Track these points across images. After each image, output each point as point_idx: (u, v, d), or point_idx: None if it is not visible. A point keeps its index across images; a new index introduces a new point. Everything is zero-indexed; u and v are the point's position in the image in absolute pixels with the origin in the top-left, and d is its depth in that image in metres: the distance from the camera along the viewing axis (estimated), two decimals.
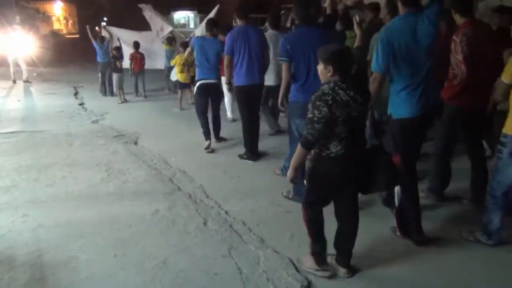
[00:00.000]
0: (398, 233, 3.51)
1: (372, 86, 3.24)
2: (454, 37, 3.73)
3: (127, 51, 10.34)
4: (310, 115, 2.66)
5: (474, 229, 3.44)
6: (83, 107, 9.16)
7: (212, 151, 5.96)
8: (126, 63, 10.15)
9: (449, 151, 4.13)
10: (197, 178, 4.95)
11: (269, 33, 6.09)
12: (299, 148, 2.74)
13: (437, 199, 4.13)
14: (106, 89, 10.45)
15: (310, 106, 2.67)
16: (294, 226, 3.77)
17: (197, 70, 6.01)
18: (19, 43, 13.39)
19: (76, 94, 10.86)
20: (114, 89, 10.10)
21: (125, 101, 9.74)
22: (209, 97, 5.99)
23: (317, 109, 2.62)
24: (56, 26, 48.55)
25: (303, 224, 3.49)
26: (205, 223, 3.85)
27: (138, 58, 10.09)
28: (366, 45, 4.75)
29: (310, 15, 3.92)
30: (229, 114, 7.55)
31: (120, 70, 9.82)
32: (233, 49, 5.24)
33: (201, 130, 6.01)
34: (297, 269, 3.13)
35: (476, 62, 3.64)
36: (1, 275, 3.11)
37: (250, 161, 5.50)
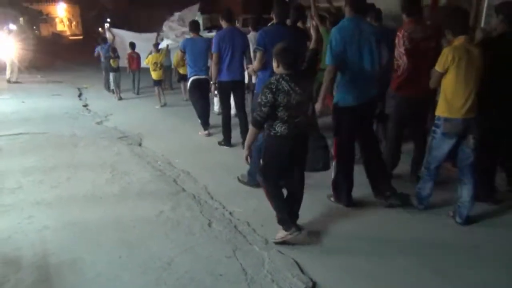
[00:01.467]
0: (332, 199, 4.26)
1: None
2: (398, 33, 4.33)
3: (127, 51, 10.78)
4: (259, 100, 3.28)
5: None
6: (87, 109, 9.19)
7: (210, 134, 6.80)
8: (124, 62, 10.68)
9: (400, 136, 4.62)
10: (201, 179, 4.96)
11: (250, 34, 6.62)
12: (251, 128, 3.38)
13: None
14: (110, 86, 10.97)
15: (260, 93, 3.27)
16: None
17: (188, 68, 6.69)
18: (14, 43, 13.42)
19: (80, 95, 10.89)
20: (111, 86, 10.56)
21: (121, 98, 10.22)
22: (201, 91, 6.70)
23: (264, 95, 3.23)
24: (60, 27, 48.65)
25: (307, 224, 3.53)
26: (209, 224, 3.87)
27: (134, 57, 10.55)
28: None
29: (286, 15, 4.52)
30: (216, 108, 7.87)
31: (115, 69, 10.27)
32: (220, 48, 5.75)
33: (201, 133, 6.16)
34: (302, 270, 3.14)
35: (416, 55, 4.21)
36: (7, 277, 3.14)
37: (226, 147, 6.14)
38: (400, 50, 4.29)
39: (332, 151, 4.09)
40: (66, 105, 9.59)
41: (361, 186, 4.26)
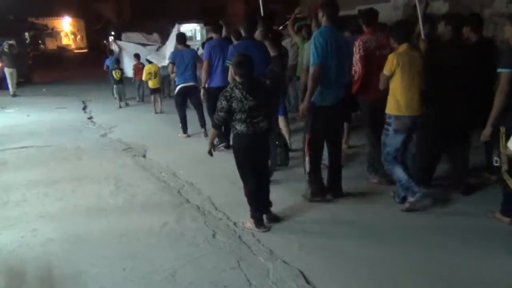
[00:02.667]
0: (309, 197, 4.55)
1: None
2: (355, 42, 4.78)
3: (133, 62, 11.49)
4: (217, 105, 3.81)
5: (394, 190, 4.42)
6: (92, 121, 9.24)
7: (188, 136, 7.43)
8: (130, 72, 11.56)
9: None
10: (205, 190, 4.95)
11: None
12: (212, 129, 4.05)
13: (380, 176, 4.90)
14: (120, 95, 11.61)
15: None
16: (302, 237, 3.77)
17: (177, 77, 7.34)
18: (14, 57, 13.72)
19: (84, 108, 10.97)
20: (115, 95, 11.22)
21: (127, 105, 11.04)
22: (188, 97, 7.40)
23: (220, 102, 3.78)
24: (65, 41, 49.11)
25: (311, 235, 3.52)
26: (213, 235, 3.85)
27: (140, 68, 11.04)
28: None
29: (253, 30, 5.01)
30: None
31: (118, 81, 10.89)
32: (211, 56, 6.31)
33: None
34: (307, 281, 3.11)
35: (370, 61, 4.65)
36: None
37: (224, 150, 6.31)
38: (356, 57, 4.73)
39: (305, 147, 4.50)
40: (71, 118, 9.66)
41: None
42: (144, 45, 13.08)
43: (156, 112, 9.89)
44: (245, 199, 3.99)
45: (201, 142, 6.91)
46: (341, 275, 3.20)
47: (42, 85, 15.37)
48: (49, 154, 6.70)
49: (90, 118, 9.62)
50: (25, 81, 16.08)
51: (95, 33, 43.36)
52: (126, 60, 12.19)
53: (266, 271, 3.24)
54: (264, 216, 4.03)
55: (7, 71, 13.23)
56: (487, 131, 3.83)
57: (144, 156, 6.49)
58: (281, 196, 4.51)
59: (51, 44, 42.63)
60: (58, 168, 5.95)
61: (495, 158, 3.73)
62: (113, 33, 36.03)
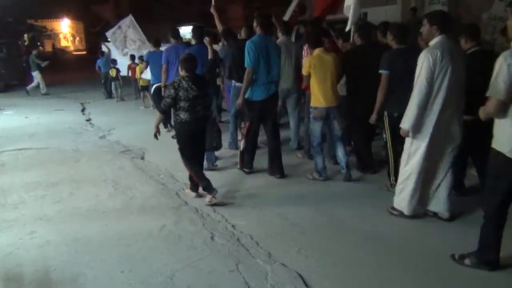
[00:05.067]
0: (238, 167, 5.61)
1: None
2: (304, 46, 5.71)
3: (123, 62, 12.12)
4: (165, 93, 4.56)
5: (312, 171, 5.22)
6: (90, 123, 9.23)
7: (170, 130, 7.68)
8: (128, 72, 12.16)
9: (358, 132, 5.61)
10: (204, 192, 4.93)
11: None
12: (158, 114, 4.76)
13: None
14: (108, 93, 12.87)
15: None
16: (301, 240, 3.76)
17: (152, 76, 8.29)
18: None
19: (83, 110, 10.96)
20: (113, 92, 12.43)
21: (122, 100, 12.20)
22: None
23: (169, 90, 4.51)
24: (63, 43, 49.08)
25: (310, 237, 3.51)
26: (212, 238, 3.84)
27: (133, 67, 11.61)
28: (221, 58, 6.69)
29: (200, 37, 6.35)
30: None
31: (114, 78, 12.17)
32: (168, 60, 7.07)
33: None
34: (305, 283, 3.11)
35: None
36: None
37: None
38: (304, 59, 5.54)
39: (244, 132, 5.52)
40: (69, 120, 9.64)
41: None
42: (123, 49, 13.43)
43: (145, 107, 10.76)
44: (244, 200, 4.02)
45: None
46: (340, 278, 3.20)
47: (41, 87, 15.32)
48: (47, 156, 6.69)
49: (88, 120, 9.61)
50: (19, 83, 16.12)
51: (94, 35, 43.33)
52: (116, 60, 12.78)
53: (265, 274, 3.24)
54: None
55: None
56: (373, 117, 4.72)
57: (142, 158, 6.48)
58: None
59: (49, 46, 42.56)
60: (57, 170, 5.93)
61: (384, 135, 4.66)
62: None
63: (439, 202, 3.99)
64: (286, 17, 7.78)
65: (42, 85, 13.98)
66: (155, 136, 4.69)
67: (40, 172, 5.87)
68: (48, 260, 3.55)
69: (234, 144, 6.52)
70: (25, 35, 27.44)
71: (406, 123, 3.78)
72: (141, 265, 3.42)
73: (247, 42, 5.13)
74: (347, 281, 3.16)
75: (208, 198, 4.57)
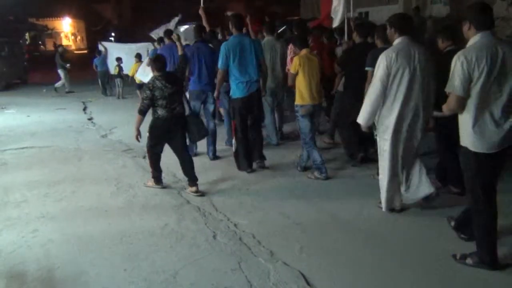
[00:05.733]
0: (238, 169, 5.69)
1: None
2: (289, 46, 6.28)
3: (130, 60, 12.38)
4: (142, 95, 4.85)
5: (313, 171, 5.33)
6: (92, 122, 9.25)
7: None
8: (113, 70, 12.92)
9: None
10: (205, 190, 4.96)
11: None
12: (137, 116, 4.79)
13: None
14: (106, 91, 13.33)
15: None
16: (303, 238, 3.77)
17: None
18: None
19: (85, 109, 10.97)
20: (118, 90, 12.69)
21: (123, 97, 12.52)
22: None
23: (145, 92, 4.74)
24: (65, 42, 49.10)
25: (312, 236, 3.51)
26: (214, 236, 3.85)
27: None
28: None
29: (203, 36, 6.34)
30: None
31: (117, 76, 12.61)
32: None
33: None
34: (307, 282, 3.11)
35: None
36: None
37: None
38: (288, 58, 6.17)
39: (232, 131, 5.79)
40: (71, 118, 9.66)
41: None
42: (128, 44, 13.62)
43: None
44: (246, 199, 4.07)
45: (200, 144, 6.90)
46: (342, 277, 3.20)
47: (42, 86, 15.35)
48: (49, 155, 6.70)
49: (90, 119, 9.62)
50: (21, 82, 16.16)
51: (95, 34, 43.36)
52: (109, 59, 13.21)
53: (267, 273, 3.24)
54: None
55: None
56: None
57: (144, 157, 6.46)
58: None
59: (51, 45, 42.61)
60: (59, 169, 5.95)
61: (375, 132, 4.27)
62: (113, 34, 36.07)
63: (413, 191, 4.15)
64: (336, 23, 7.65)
65: (66, 83, 14.10)
66: (136, 138, 4.86)
67: (43, 170, 5.88)
68: (51, 258, 3.57)
69: (230, 142, 6.54)
70: (27, 34, 27.51)
71: (360, 119, 4.03)
72: (144, 263, 3.43)
73: (222, 45, 5.42)
74: (349, 280, 3.17)
75: (150, 182, 5.11)
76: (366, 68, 4.80)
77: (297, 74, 5.11)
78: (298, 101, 5.21)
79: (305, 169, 5.45)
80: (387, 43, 4.52)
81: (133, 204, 4.69)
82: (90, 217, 4.37)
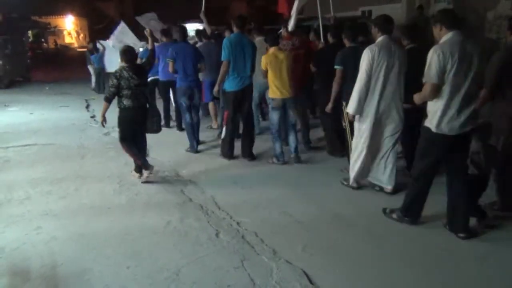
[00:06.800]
0: (219, 154, 6.20)
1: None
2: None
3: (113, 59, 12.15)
4: (109, 83, 5.03)
5: (271, 156, 5.89)
6: (95, 120, 9.23)
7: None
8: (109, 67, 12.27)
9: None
10: (208, 189, 4.96)
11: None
12: (104, 103, 5.06)
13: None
14: (100, 88, 13.15)
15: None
16: (306, 237, 3.78)
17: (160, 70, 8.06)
18: None
19: (87, 106, 10.98)
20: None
21: None
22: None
23: (112, 80, 4.96)
24: (68, 39, 49.10)
25: (315, 235, 3.51)
26: (217, 235, 3.86)
27: None
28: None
29: (186, 36, 6.74)
30: None
31: None
32: (159, 57, 7.49)
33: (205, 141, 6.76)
34: (310, 280, 3.12)
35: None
36: None
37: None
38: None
39: (223, 120, 6.12)
40: (74, 116, 9.66)
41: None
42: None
43: None
44: (248, 197, 4.07)
45: (204, 143, 6.92)
46: (345, 276, 3.21)
47: (45, 84, 15.38)
48: (52, 152, 6.71)
49: (93, 116, 9.62)
50: (24, 80, 16.18)
51: (98, 32, 43.35)
52: (107, 57, 12.87)
53: (270, 271, 3.25)
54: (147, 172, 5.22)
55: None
56: (329, 106, 5.44)
57: (147, 155, 6.48)
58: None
59: (52, 43, 42.62)
60: (62, 166, 5.96)
61: (343, 123, 5.13)
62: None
63: (382, 177, 4.66)
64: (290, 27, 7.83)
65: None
66: (102, 124, 5.23)
67: (46, 168, 5.89)
68: (54, 255, 3.58)
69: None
70: (29, 32, 27.47)
71: (350, 108, 4.50)
72: (147, 261, 3.44)
73: (224, 40, 5.80)
74: (352, 278, 3.17)
75: (145, 173, 5.16)
76: (335, 67, 5.14)
77: (267, 70, 5.53)
78: (270, 94, 5.66)
79: (284, 161, 5.77)
80: (354, 42, 5.16)
81: (136, 201, 4.69)
82: (93, 214, 4.38)
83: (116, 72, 4.98)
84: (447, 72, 3.42)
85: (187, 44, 6.66)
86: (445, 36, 3.50)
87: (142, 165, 5.19)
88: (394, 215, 4.00)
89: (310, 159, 6.03)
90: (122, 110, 5.05)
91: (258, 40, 6.68)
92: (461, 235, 3.65)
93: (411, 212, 3.92)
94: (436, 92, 3.49)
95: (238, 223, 4.08)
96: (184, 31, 6.77)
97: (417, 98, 3.70)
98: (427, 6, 12.67)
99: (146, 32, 5.86)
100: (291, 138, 5.79)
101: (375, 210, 4.26)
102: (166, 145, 7.00)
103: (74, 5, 45.92)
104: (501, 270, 3.25)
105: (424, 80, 3.54)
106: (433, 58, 3.43)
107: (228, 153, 6.02)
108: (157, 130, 5.38)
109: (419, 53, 4.37)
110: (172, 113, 8.23)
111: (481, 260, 3.38)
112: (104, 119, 5.15)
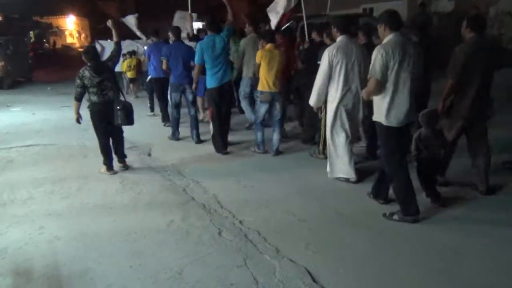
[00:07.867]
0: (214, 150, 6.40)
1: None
2: (260, 41, 6.56)
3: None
4: (76, 83, 5.28)
5: (252, 145, 6.38)
6: None
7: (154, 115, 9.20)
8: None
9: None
10: (211, 188, 4.96)
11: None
12: (74, 102, 5.41)
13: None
14: None
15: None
16: (308, 235, 3.76)
17: (151, 68, 8.49)
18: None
19: (89, 106, 10.95)
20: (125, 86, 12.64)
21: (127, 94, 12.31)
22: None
23: (76, 81, 5.23)
24: (69, 40, 49.18)
25: (318, 233, 3.49)
26: (219, 233, 3.85)
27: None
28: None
29: (180, 35, 7.27)
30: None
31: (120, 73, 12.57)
32: (149, 55, 8.46)
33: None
34: (313, 279, 3.11)
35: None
36: None
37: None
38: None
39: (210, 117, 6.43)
40: None
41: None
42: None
43: (136, 97, 11.65)
44: (251, 196, 4.08)
45: (205, 142, 6.91)
46: (348, 274, 3.20)
47: (47, 84, 15.40)
48: (55, 152, 6.72)
49: None
50: (25, 80, 16.19)
51: (100, 32, 43.35)
52: (105, 57, 12.80)
53: (273, 270, 3.24)
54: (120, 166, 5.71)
55: None
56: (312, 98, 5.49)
57: (149, 154, 6.50)
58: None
59: (52, 43, 42.71)
60: (64, 166, 5.97)
61: (320, 114, 5.37)
62: None
63: (346, 167, 4.98)
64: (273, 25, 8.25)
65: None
66: (77, 121, 5.47)
67: (48, 168, 5.90)
68: (57, 255, 3.58)
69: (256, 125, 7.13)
70: (31, 32, 27.52)
71: (311, 100, 5.02)
72: (150, 260, 3.44)
73: (197, 44, 6.23)
74: (355, 277, 3.16)
75: (103, 169, 5.56)
76: (318, 62, 5.28)
77: (260, 65, 5.87)
78: (259, 87, 5.98)
79: (264, 150, 6.14)
80: (334, 40, 5.29)
81: (138, 201, 4.69)
82: (95, 214, 4.39)
83: (79, 72, 5.22)
84: (389, 70, 3.72)
85: (180, 44, 7.12)
86: (388, 37, 3.81)
87: (106, 165, 5.54)
88: (395, 217, 3.99)
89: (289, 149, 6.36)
90: (91, 105, 5.34)
91: (252, 36, 7.26)
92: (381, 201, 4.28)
93: (410, 210, 3.92)
94: (379, 87, 3.80)
95: (240, 222, 4.07)
96: (178, 31, 7.24)
97: (364, 93, 4.04)
98: (429, 3, 12.62)
99: (109, 23, 5.98)
100: (275, 136, 6.07)
101: (378, 207, 4.24)
102: (167, 144, 7.01)
103: (76, 5, 45.97)
104: (504, 267, 3.23)
105: (368, 76, 3.86)
106: (377, 57, 3.73)
107: (220, 149, 6.30)
108: (124, 123, 5.43)
109: (370, 50, 4.55)
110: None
111: (484, 257, 3.36)
112: (79, 116, 5.43)
